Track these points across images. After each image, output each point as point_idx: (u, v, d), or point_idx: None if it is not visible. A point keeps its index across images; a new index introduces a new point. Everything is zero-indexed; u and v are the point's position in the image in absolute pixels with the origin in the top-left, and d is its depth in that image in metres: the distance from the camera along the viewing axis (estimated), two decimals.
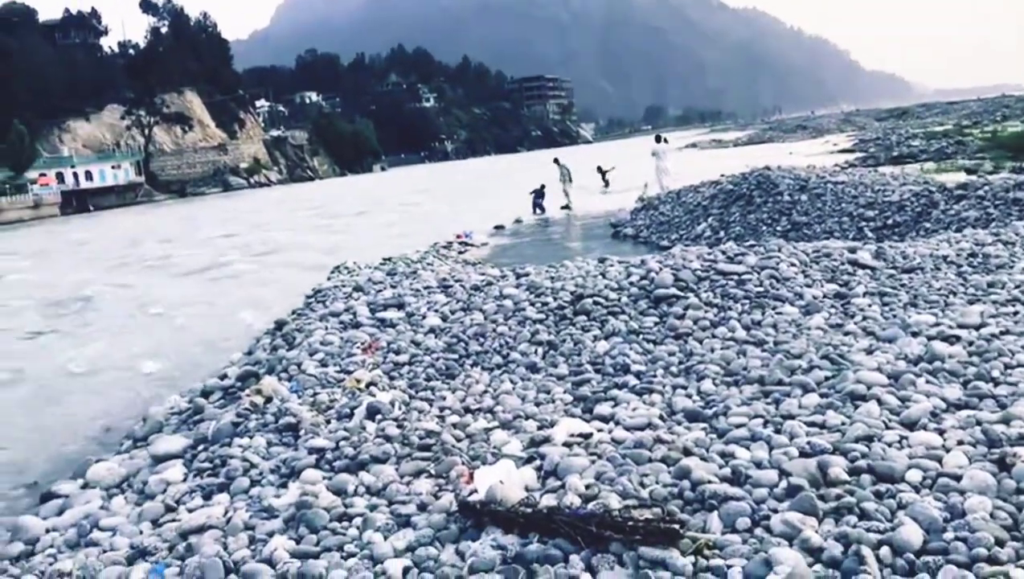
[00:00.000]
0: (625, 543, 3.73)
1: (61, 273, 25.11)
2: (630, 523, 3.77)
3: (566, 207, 27.45)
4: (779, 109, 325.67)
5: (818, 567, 3.42)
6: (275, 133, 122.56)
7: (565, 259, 11.20)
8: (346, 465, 5.40)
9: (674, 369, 6.64)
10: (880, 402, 5.09)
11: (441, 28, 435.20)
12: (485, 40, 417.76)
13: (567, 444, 5.13)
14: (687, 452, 4.71)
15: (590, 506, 4.05)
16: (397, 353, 8.02)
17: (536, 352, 7.57)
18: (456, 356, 7.75)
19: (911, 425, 4.73)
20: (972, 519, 3.55)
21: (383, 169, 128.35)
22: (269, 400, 7.00)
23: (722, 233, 16.03)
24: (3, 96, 78.06)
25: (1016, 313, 6.85)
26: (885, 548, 3.46)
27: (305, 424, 6.24)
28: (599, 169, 34.58)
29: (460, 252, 18.79)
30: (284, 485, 5.33)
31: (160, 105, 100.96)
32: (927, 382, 5.40)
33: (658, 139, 26.27)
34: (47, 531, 5.45)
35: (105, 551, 4.86)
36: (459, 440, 5.62)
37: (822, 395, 5.46)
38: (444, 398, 6.68)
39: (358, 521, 4.62)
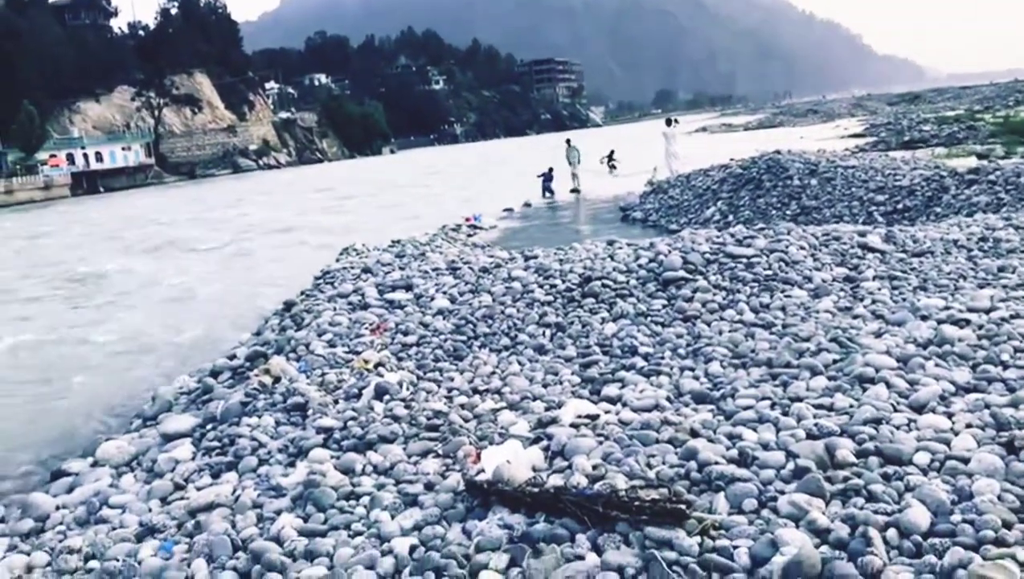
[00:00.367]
0: (631, 523, 3.74)
1: (73, 252, 25.20)
2: (636, 503, 3.77)
3: (575, 190, 27.39)
4: (790, 93, 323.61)
5: (825, 548, 3.42)
6: (284, 115, 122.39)
7: (574, 242, 11.17)
8: (354, 445, 5.42)
9: (682, 351, 6.63)
10: (888, 385, 5.07)
11: (451, 11, 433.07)
12: (495, 24, 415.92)
13: (574, 425, 5.13)
14: (694, 433, 4.70)
15: (597, 486, 4.06)
16: (405, 334, 8.02)
17: (544, 334, 7.56)
18: (464, 337, 7.75)
19: (919, 408, 4.72)
20: (980, 501, 3.54)
21: (392, 152, 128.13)
22: (278, 380, 7.03)
23: (731, 217, 15.97)
24: (13, 77, 77.98)
25: None
26: (892, 530, 3.46)
27: (313, 404, 6.27)
28: (607, 159, 34.19)
29: (469, 235, 18.79)
30: (292, 464, 5.35)
31: (170, 87, 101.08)
32: (936, 365, 5.37)
33: (669, 122, 26.09)
34: (57, 508, 5.50)
35: (114, 528, 4.91)
36: (467, 420, 5.64)
37: (830, 378, 5.44)
38: (452, 379, 6.70)
39: (365, 500, 4.65)
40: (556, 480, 4.27)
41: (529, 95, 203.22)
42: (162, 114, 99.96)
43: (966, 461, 3.96)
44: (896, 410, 4.70)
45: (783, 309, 7.29)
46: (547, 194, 27.06)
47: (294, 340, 8.33)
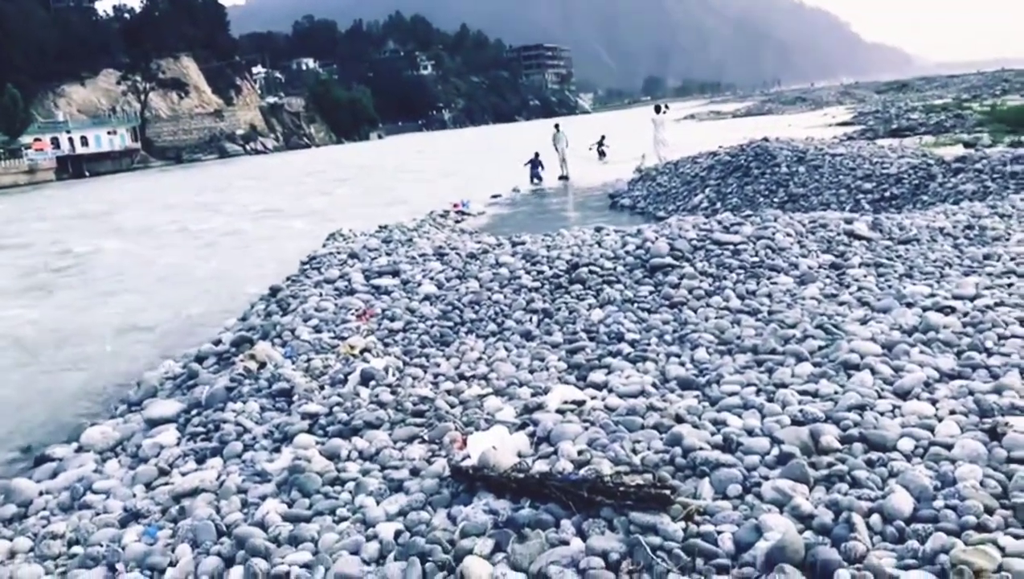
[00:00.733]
0: (616, 508, 3.74)
1: (60, 236, 25.03)
2: (621, 489, 3.77)
3: (564, 177, 27.35)
4: (779, 81, 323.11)
5: (808, 534, 3.43)
6: (272, 100, 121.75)
7: (562, 228, 11.16)
8: (339, 430, 5.41)
9: (668, 337, 6.64)
10: (873, 371, 5.09)
11: None
12: (483, 7, 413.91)
13: (560, 411, 5.13)
14: (679, 419, 4.71)
15: (582, 472, 4.06)
16: (392, 320, 8.00)
17: (531, 320, 7.56)
18: (451, 323, 7.74)
19: (904, 394, 4.74)
20: (962, 487, 3.56)
21: (380, 137, 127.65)
22: (263, 365, 7.00)
23: (719, 204, 15.99)
24: None
25: (1011, 285, 6.83)
26: (875, 515, 3.47)
27: (299, 389, 6.25)
28: (597, 144, 34.18)
29: (456, 221, 18.75)
30: (277, 450, 5.34)
31: (156, 71, 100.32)
32: (921, 352, 5.40)
33: (658, 108, 25.98)
34: (40, 494, 5.47)
35: (98, 514, 4.88)
36: (453, 406, 5.63)
37: (815, 364, 5.46)
38: (438, 365, 6.69)
39: (351, 485, 4.64)
40: (542, 466, 4.27)
41: (518, 81, 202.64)
42: (148, 98, 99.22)
43: (949, 447, 3.98)
44: (881, 396, 4.72)
45: (769, 296, 7.31)
46: (535, 180, 27.02)
47: (280, 325, 8.30)
